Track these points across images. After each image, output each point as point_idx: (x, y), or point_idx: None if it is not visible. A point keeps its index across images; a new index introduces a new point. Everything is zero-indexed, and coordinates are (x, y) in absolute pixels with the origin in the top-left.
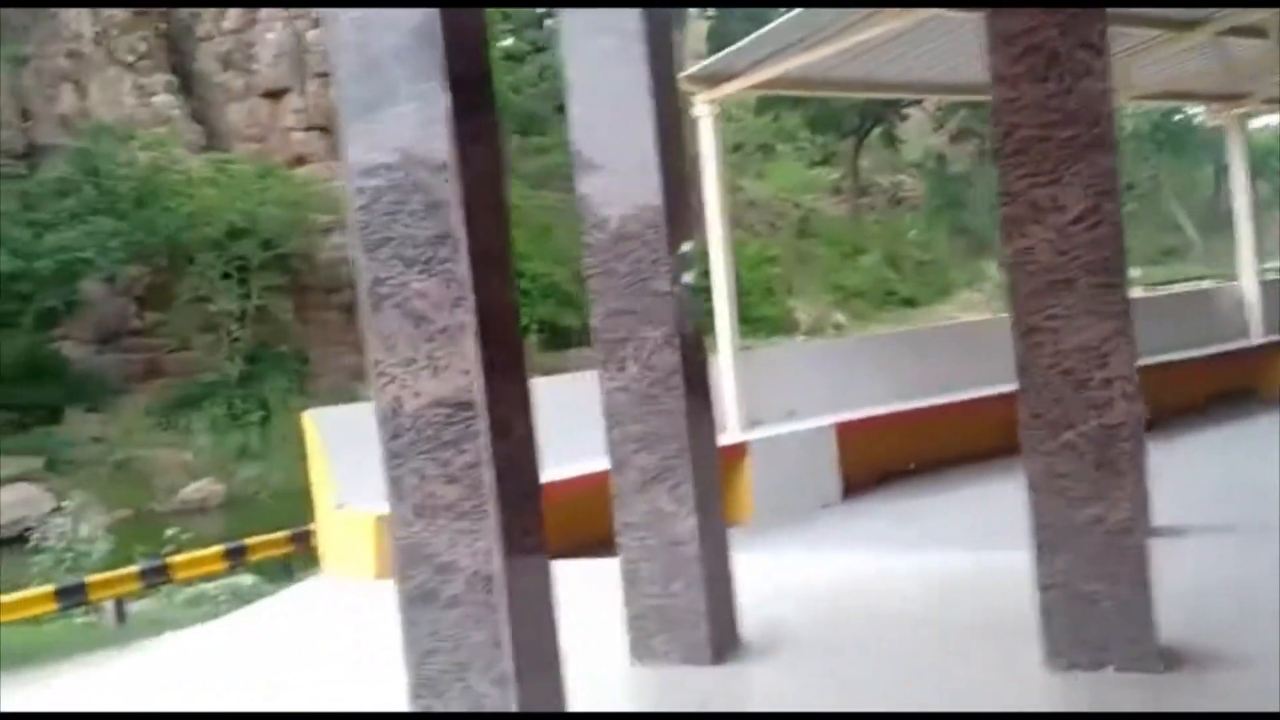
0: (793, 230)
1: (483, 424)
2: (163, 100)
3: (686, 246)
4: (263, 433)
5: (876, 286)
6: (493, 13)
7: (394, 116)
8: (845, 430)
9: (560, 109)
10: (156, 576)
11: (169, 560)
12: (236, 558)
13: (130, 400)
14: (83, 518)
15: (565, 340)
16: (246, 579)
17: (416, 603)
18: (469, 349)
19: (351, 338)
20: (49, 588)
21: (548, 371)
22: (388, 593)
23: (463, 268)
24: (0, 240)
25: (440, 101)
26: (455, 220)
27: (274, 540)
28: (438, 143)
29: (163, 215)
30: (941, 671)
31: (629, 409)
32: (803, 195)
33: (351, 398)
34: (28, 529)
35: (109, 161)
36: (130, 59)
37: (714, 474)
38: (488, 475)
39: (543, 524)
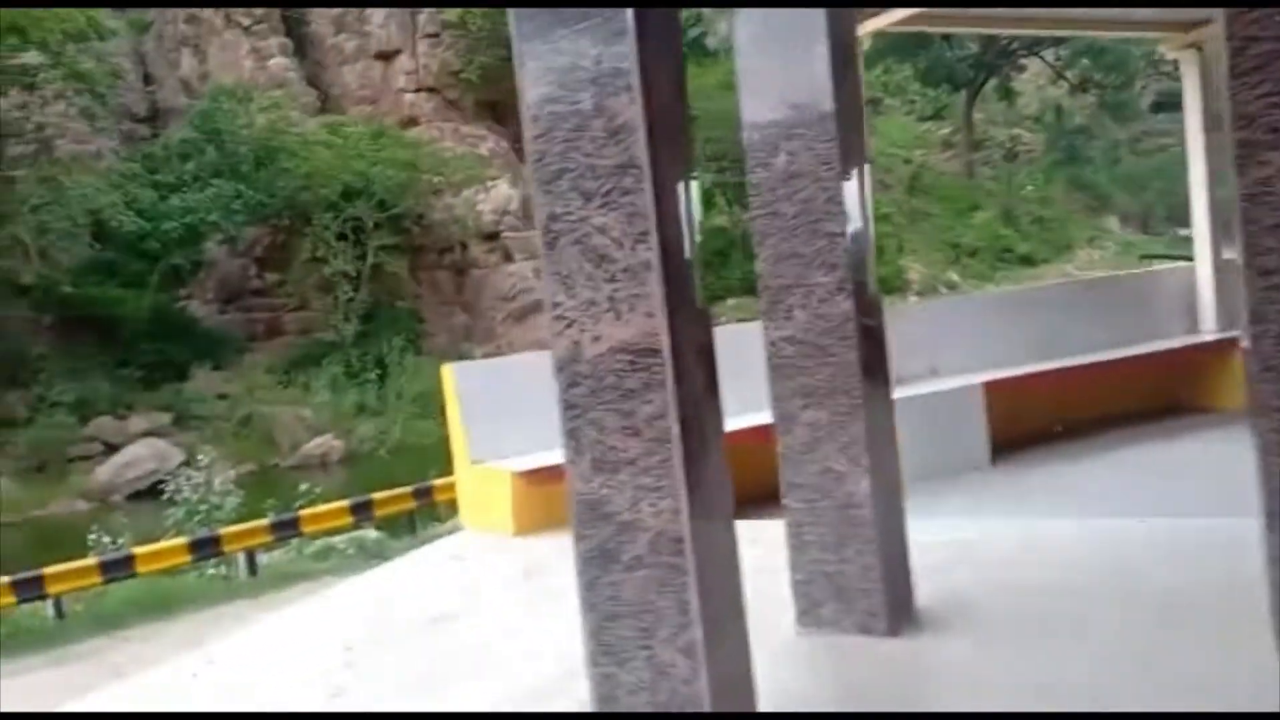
0: (903, 187)
1: (669, 371)
2: (278, 63)
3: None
4: (379, 390)
5: (992, 244)
6: None
7: (573, 36)
8: (993, 389)
9: (702, 46)
10: (287, 529)
11: (300, 514)
12: (363, 512)
13: (252, 358)
14: (214, 473)
15: None
16: (370, 533)
17: (595, 563)
18: (654, 289)
19: (462, 298)
20: (184, 539)
21: None
22: (531, 548)
23: (646, 199)
24: (129, 202)
25: (624, 18)
26: (640, 147)
27: (398, 495)
28: (622, 62)
29: (281, 177)
30: (1151, 650)
31: (796, 360)
32: (913, 151)
33: (460, 356)
34: (158, 482)
35: (229, 124)
36: (247, 22)
37: (889, 431)
38: (674, 427)
39: (729, 481)
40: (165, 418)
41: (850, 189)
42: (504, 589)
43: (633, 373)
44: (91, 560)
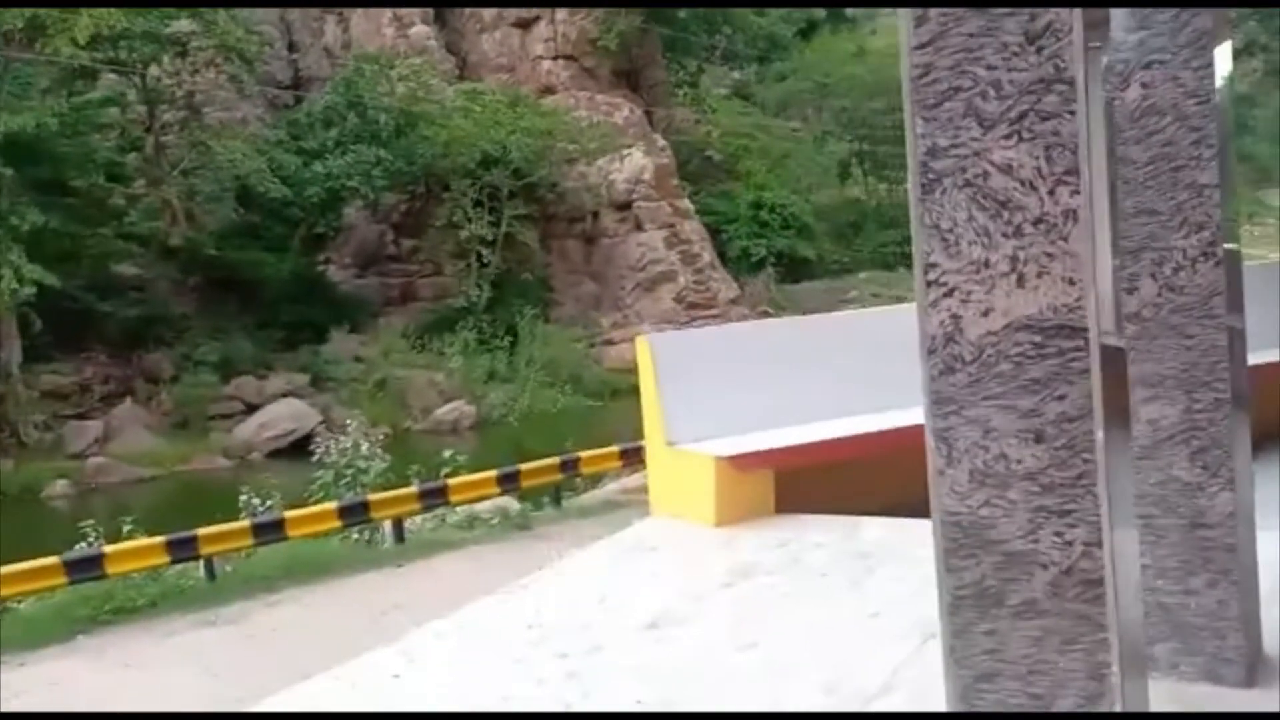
0: None
1: (1093, 359)
2: (419, 31)
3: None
4: (510, 357)
5: None
6: None
7: None
8: None
9: (802, 32)
10: (434, 498)
11: (448, 482)
12: (509, 483)
13: (387, 322)
14: (361, 436)
15: (799, 273)
16: (513, 504)
17: (969, 605)
18: (1079, 248)
19: (590, 267)
20: (333, 505)
21: (781, 308)
22: (736, 542)
23: (1072, 125)
24: (274, 168)
25: None
26: (1068, 54)
27: (545, 467)
28: None
29: (420, 144)
30: None
31: (1139, 342)
32: None
33: (588, 326)
34: (296, 441)
35: (371, 91)
36: None
37: (1246, 434)
38: (1098, 433)
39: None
40: (303, 379)
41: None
42: (720, 589)
43: (1039, 359)
44: (244, 523)
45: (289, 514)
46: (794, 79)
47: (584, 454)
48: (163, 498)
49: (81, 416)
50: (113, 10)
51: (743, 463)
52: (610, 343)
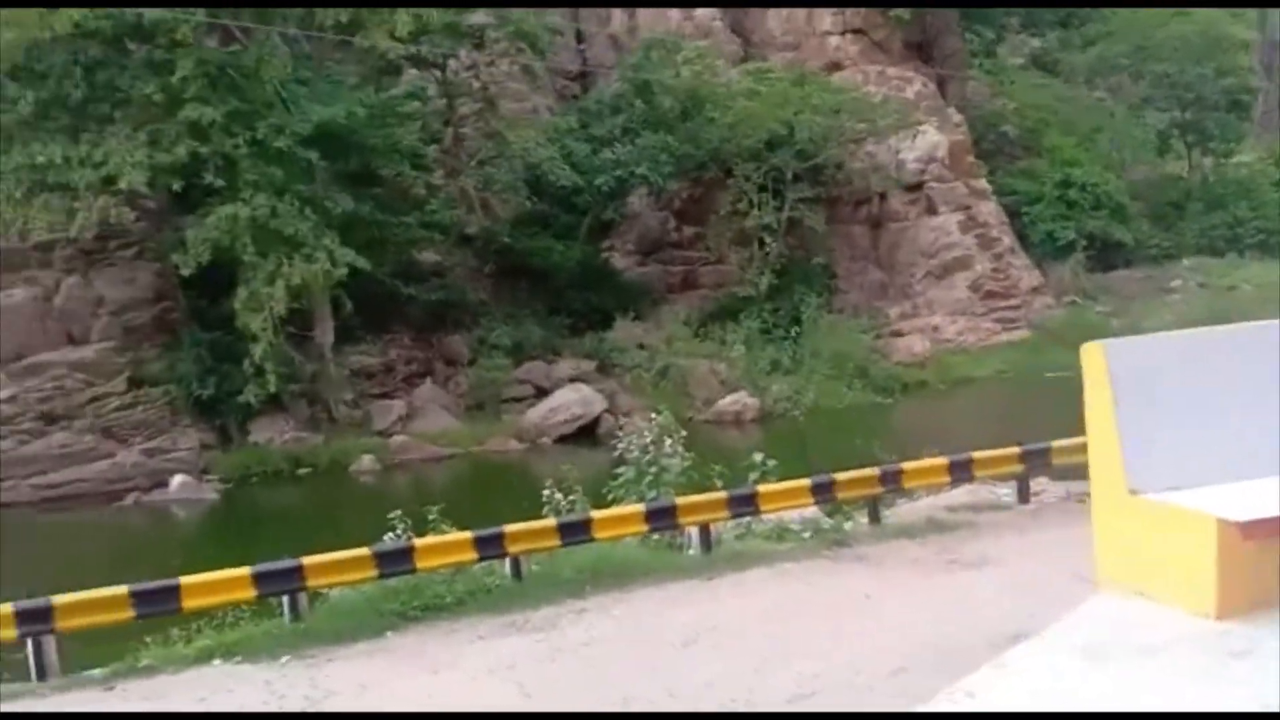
0: None
1: None
2: (705, 13)
3: None
4: (794, 348)
5: None
6: None
7: None
8: None
9: None
10: (744, 505)
11: (760, 489)
12: (823, 493)
13: (670, 310)
14: (664, 431)
15: (1112, 259)
16: (823, 516)
17: None
18: None
19: (877, 254)
20: (640, 506)
21: (1090, 294)
22: (1257, 644)
23: None
24: (565, 156)
25: None
26: None
27: (862, 478)
28: None
29: (705, 127)
30: None
31: None
32: None
33: (875, 316)
34: (583, 426)
35: (657, 77)
36: None
37: None
38: None
39: None
40: (589, 365)
41: None
42: None
43: None
44: (550, 521)
45: (596, 514)
46: (1105, 43)
47: (907, 465)
48: (461, 478)
49: (386, 396)
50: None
51: (1261, 530)
52: (898, 334)
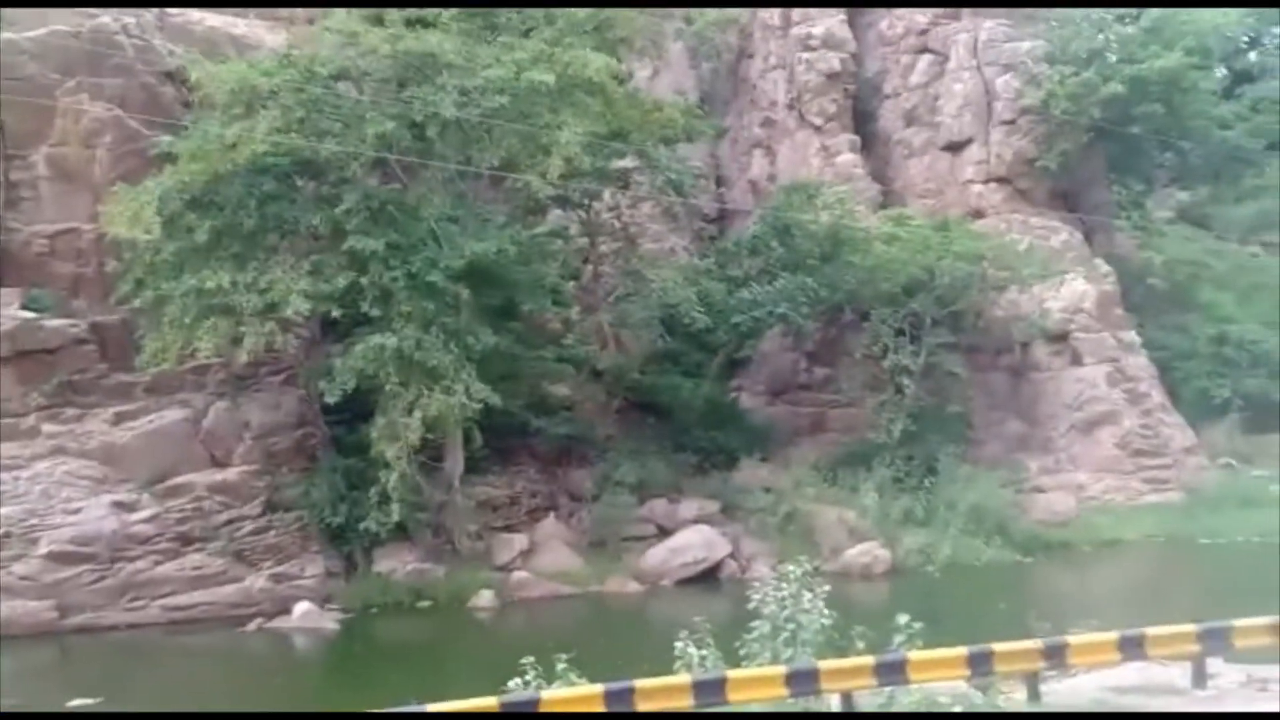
0: None
1: None
2: (846, 160)
3: None
4: (928, 499)
5: None
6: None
7: None
8: None
9: (1274, 146)
10: (893, 673)
11: (910, 657)
12: (980, 664)
13: (798, 453)
14: (805, 585)
15: (1271, 421)
16: (975, 691)
17: None
18: None
19: (1017, 404)
20: (781, 669)
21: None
22: None
23: None
24: (701, 296)
25: None
26: None
27: (1023, 651)
28: None
29: (844, 270)
30: None
31: None
32: None
33: (1014, 469)
34: (705, 570)
35: (797, 220)
36: (819, 122)
37: None
38: None
39: None
40: (713, 505)
41: None
42: None
43: None
44: (685, 678)
45: (732, 674)
46: (1265, 197)
47: (1073, 639)
48: (580, 620)
49: (509, 529)
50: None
51: None
52: (1039, 490)
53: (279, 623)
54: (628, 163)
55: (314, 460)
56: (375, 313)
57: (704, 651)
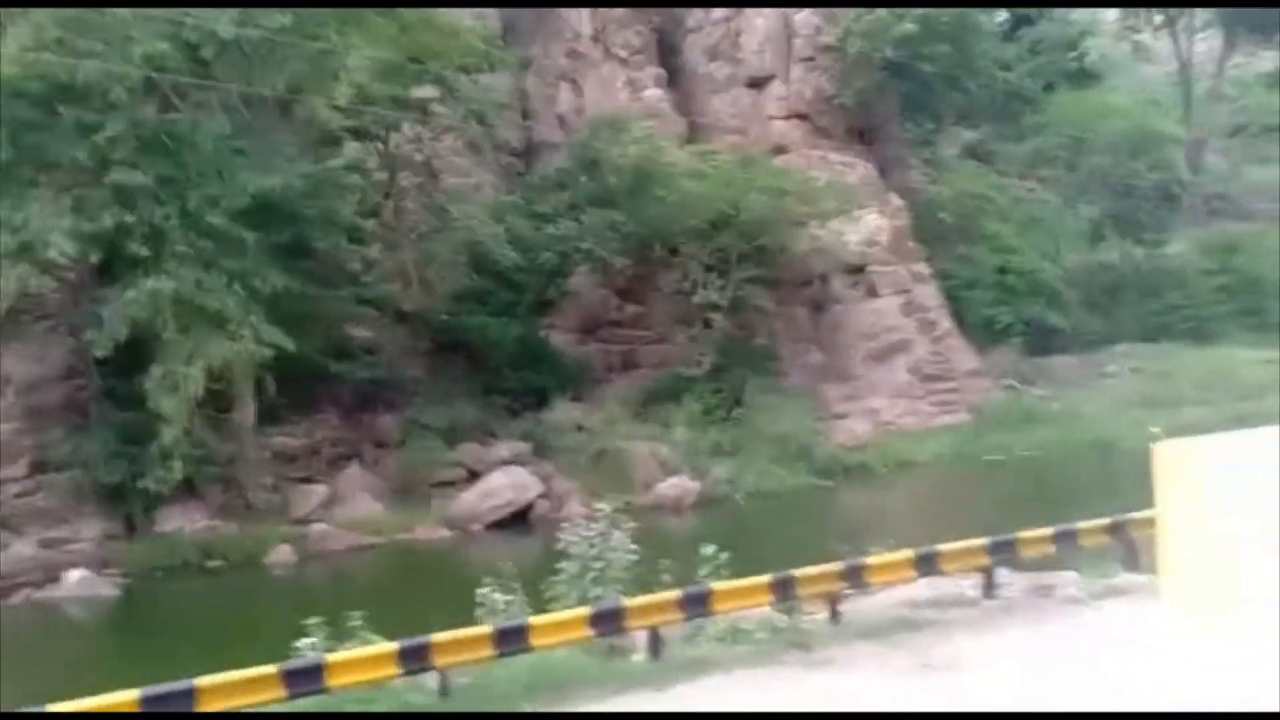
0: None
1: None
2: (652, 94)
3: None
4: (736, 429)
5: None
6: None
7: None
8: None
9: (1051, 86)
10: (697, 606)
11: (715, 588)
12: (783, 590)
13: (610, 390)
14: (614, 525)
15: (1048, 344)
16: (781, 616)
17: None
18: None
19: (819, 335)
20: (585, 611)
21: (1027, 378)
22: None
23: None
24: (506, 233)
25: None
26: None
27: (824, 574)
28: None
29: (651, 206)
30: None
31: None
32: None
33: (816, 397)
34: (516, 511)
35: (604, 154)
36: (624, 54)
37: None
38: None
39: None
40: (525, 446)
41: None
42: None
43: None
44: (485, 629)
45: (534, 621)
46: (1041, 137)
47: (872, 560)
48: (385, 571)
49: (308, 480)
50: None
51: None
52: (840, 416)
53: (50, 592)
54: (427, 92)
55: (86, 416)
56: (145, 253)
57: (510, 597)
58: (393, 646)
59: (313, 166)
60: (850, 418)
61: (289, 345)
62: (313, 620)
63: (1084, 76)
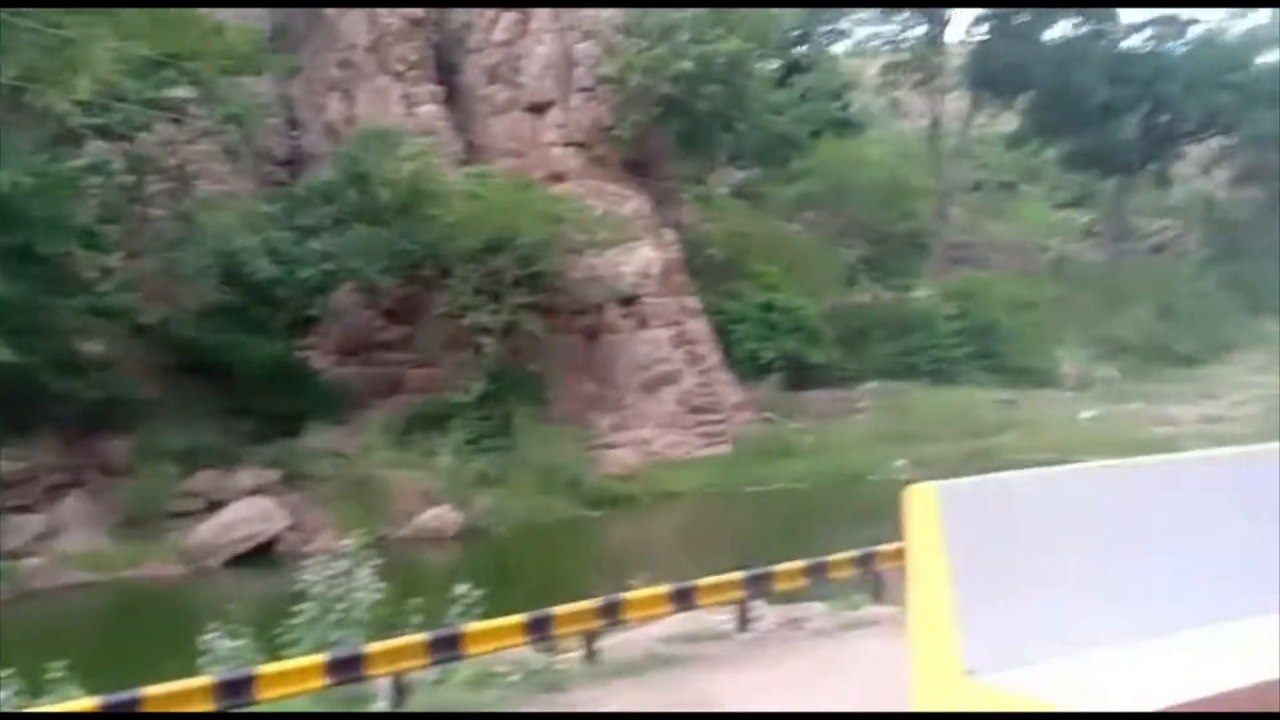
0: (1045, 274)
1: None
2: (429, 111)
3: None
4: (503, 458)
5: (1147, 340)
6: (753, 36)
7: None
8: None
9: (817, 133)
10: (446, 649)
11: (466, 630)
12: (539, 630)
13: (372, 415)
14: (359, 562)
15: (806, 379)
16: (537, 656)
17: None
18: None
19: (591, 364)
20: (320, 658)
21: (787, 412)
22: None
23: None
24: (266, 245)
25: None
26: None
27: (582, 612)
28: None
29: (424, 225)
30: None
31: None
32: (1049, 238)
33: (587, 427)
34: (261, 545)
35: (375, 168)
36: (400, 68)
37: None
38: None
39: None
40: (274, 474)
41: None
42: None
43: None
44: (204, 680)
45: (263, 670)
46: (806, 181)
47: (629, 595)
48: (104, 611)
49: (23, 509)
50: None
51: None
52: (610, 446)
53: None
54: (183, 92)
55: None
56: None
57: (238, 643)
58: (93, 702)
59: (46, 165)
60: (620, 448)
61: (7, 356)
62: (4, 673)
63: (847, 126)
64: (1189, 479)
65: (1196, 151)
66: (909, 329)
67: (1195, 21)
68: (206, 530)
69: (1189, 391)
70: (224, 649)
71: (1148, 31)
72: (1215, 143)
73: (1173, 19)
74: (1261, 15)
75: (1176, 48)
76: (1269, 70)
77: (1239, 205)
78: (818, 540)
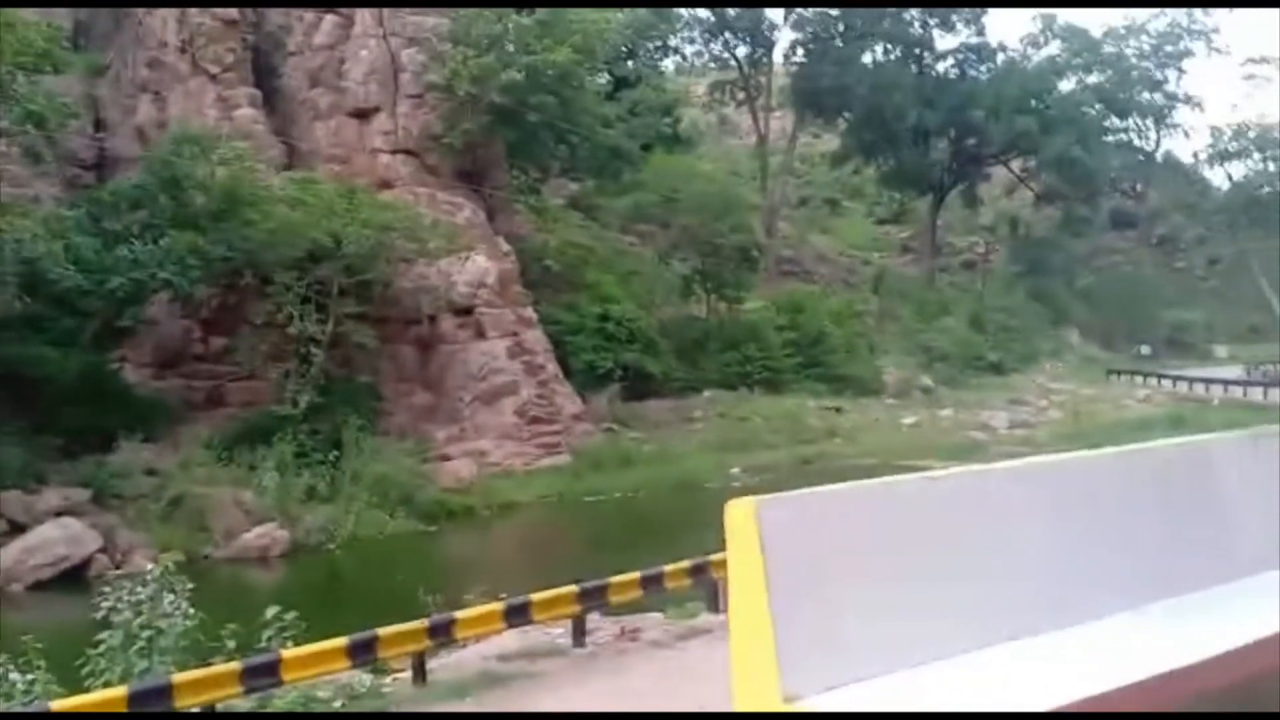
0: (868, 288)
1: None
2: (245, 114)
3: None
4: (333, 473)
5: (963, 350)
6: (582, 48)
7: None
8: None
9: (648, 146)
10: (263, 676)
11: (283, 655)
12: (363, 653)
13: (190, 430)
14: (167, 585)
15: (644, 390)
16: (364, 678)
17: None
18: None
19: (426, 375)
20: (121, 690)
21: (625, 422)
22: None
23: None
24: (69, 252)
25: None
26: None
27: (409, 632)
28: None
29: (242, 231)
30: None
31: None
32: (870, 253)
33: (421, 439)
34: (69, 570)
35: (188, 173)
36: (214, 70)
37: None
38: None
39: None
40: (83, 494)
41: None
42: None
43: None
44: None
45: (57, 706)
46: (638, 193)
47: (460, 614)
48: None
49: None
50: None
51: None
52: (446, 458)
53: None
54: None
55: None
56: None
57: (30, 676)
58: None
59: None
60: (456, 460)
61: None
62: None
63: (676, 141)
64: (1006, 489)
65: (1001, 173)
66: (742, 340)
67: (1002, 49)
68: (10, 554)
69: (999, 398)
70: (15, 683)
71: (952, 60)
72: (1018, 164)
73: (979, 47)
74: (1056, 45)
75: (981, 74)
76: (1066, 97)
77: (1041, 223)
78: (655, 549)
